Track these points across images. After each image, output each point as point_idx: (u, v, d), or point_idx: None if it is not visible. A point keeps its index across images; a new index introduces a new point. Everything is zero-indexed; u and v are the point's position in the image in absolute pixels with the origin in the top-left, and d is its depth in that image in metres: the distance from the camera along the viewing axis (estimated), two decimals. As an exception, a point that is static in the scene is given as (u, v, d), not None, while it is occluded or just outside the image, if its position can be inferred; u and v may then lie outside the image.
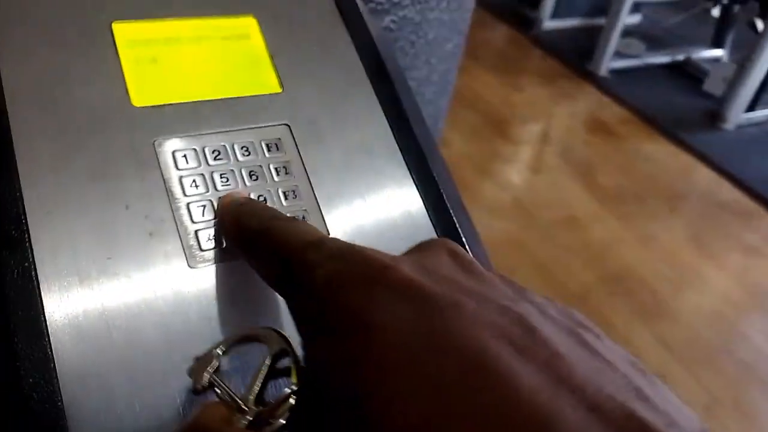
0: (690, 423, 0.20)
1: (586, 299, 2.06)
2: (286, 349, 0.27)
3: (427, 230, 0.38)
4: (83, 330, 0.29)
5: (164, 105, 0.36)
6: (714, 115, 3.05)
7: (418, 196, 0.39)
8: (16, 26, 0.35)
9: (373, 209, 0.38)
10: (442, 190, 0.39)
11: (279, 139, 0.37)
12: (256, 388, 0.26)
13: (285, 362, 0.27)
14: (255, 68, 0.39)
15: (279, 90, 0.39)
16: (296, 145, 0.37)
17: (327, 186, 0.37)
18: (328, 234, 0.35)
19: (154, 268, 0.31)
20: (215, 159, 0.35)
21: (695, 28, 3.66)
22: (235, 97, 0.38)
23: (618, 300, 2.08)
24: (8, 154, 0.31)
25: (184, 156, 0.35)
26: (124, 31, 0.37)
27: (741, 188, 2.68)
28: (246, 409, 0.25)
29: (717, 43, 3.53)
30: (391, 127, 0.40)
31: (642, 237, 2.36)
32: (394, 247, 0.28)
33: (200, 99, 0.37)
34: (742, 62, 2.94)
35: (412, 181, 0.39)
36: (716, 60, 3.46)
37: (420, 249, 0.26)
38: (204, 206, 0.34)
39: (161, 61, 0.37)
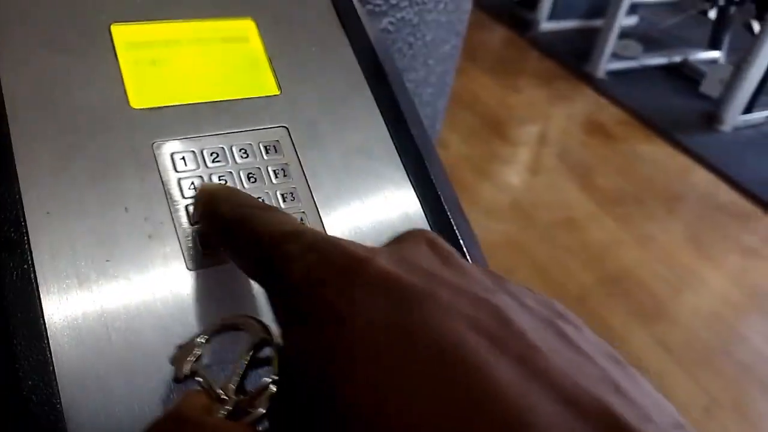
0: (666, 417, 0.20)
1: (584, 300, 2.06)
2: (267, 339, 0.27)
3: (425, 232, 0.38)
4: (82, 332, 0.29)
5: (163, 107, 0.36)
6: (711, 117, 3.06)
7: (416, 198, 0.39)
8: (15, 28, 0.35)
9: (370, 211, 0.38)
10: (439, 192, 0.39)
11: (277, 141, 0.37)
12: (237, 378, 0.26)
13: (266, 352, 0.27)
14: (253, 70, 0.39)
15: (277, 92, 0.39)
16: (294, 148, 0.37)
17: (325, 188, 0.37)
18: None
19: (153, 270, 0.31)
20: (213, 161, 0.35)
21: (692, 30, 3.67)
22: (233, 100, 0.38)
23: (616, 301, 2.08)
24: (7, 157, 0.31)
25: (183, 158, 0.35)
26: (122, 33, 0.37)
27: (738, 190, 2.69)
28: (226, 398, 0.26)
29: (714, 45, 3.54)
30: (388, 129, 0.40)
31: (640, 238, 2.36)
32: (392, 248, 0.28)
33: (199, 101, 0.37)
34: (739, 64, 2.95)
35: (409, 183, 0.39)
36: (713, 62, 3.47)
37: (399, 240, 0.26)
38: None
39: (160, 63, 0.37)
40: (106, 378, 0.28)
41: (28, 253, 0.29)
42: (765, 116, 3.11)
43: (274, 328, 0.26)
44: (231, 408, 0.25)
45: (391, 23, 0.65)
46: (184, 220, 0.33)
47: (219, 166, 0.35)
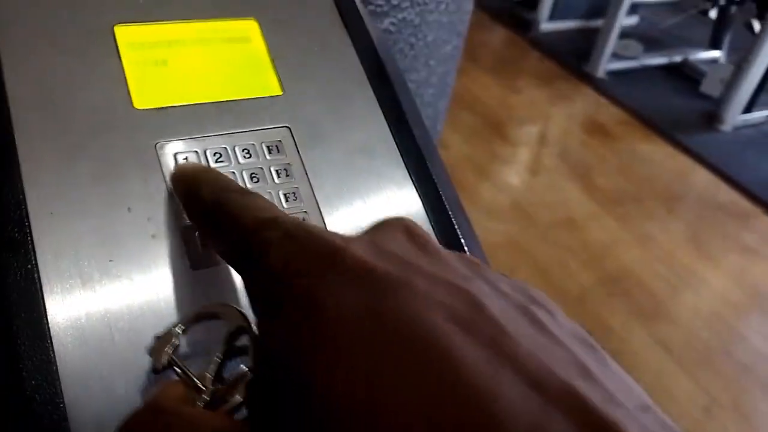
0: (634, 400, 0.20)
1: (584, 300, 2.06)
2: (244, 327, 0.27)
3: (427, 231, 0.38)
4: (85, 332, 0.29)
5: (166, 107, 0.36)
6: (711, 117, 3.06)
7: (418, 198, 0.39)
8: (19, 29, 0.35)
9: (372, 211, 0.38)
10: (441, 193, 0.40)
11: (280, 141, 0.37)
12: (214, 366, 0.26)
13: (245, 340, 0.27)
14: (256, 71, 0.39)
15: (280, 92, 0.39)
16: (297, 148, 0.38)
17: (327, 188, 0.37)
18: None
19: (156, 270, 0.31)
20: (216, 161, 0.35)
21: (692, 30, 3.67)
22: (236, 100, 0.38)
23: (616, 301, 2.08)
24: (11, 157, 0.31)
25: (186, 158, 0.35)
26: (126, 34, 0.37)
27: (738, 189, 2.69)
28: (203, 388, 0.26)
29: (714, 45, 3.54)
30: (390, 129, 0.41)
31: (640, 238, 2.37)
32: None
33: (202, 101, 0.37)
34: (740, 63, 2.95)
35: (411, 183, 0.39)
36: (713, 61, 3.47)
37: (377, 228, 0.26)
38: None
39: (163, 64, 0.37)
40: (109, 378, 0.28)
41: (32, 253, 0.30)
42: (765, 115, 3.11)
43: (252, 316, 0.26)
44: (208, 398, 0.25)
45: (392, 24, 0.65)
46: (188, 220, 0.33)
47: (222, 166, 0.35)
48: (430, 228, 0.39)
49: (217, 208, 0.28)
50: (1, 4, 0.35)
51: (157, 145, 0.34)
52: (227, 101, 0.37)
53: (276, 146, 0.37)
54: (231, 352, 0.27)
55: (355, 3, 0.44)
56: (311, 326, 0.21)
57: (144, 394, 0.29)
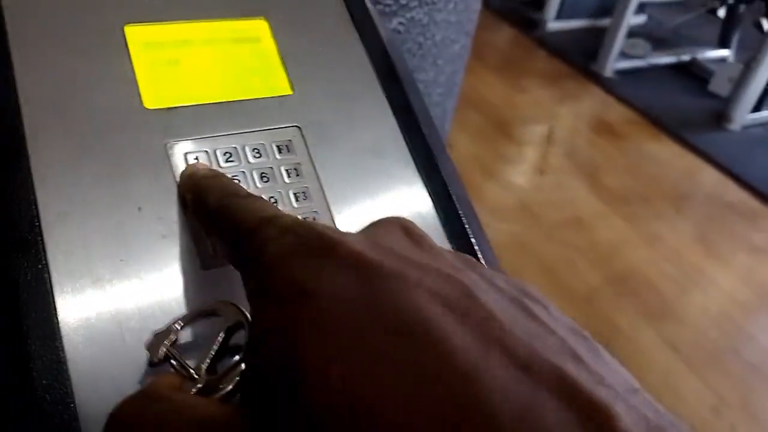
0: (621, 383, 0.20)
1: (592, 300, 2.06)
2: (241, 321, 0.27)
3: (436, 231, 0.38)
4: (96, 332, 0.29)
5: (176, 107, 0.36)
6: (720, 116, 3.04)
7: (428, 197, 0.39)
8: (30, 30, 0.35)
9: (382, 210, 0.38)
10: (451, 192, 0.39)
11: (290, 141, 0.37)
12: (209, 359, 0.27)
13: (241, 335, 0.27)
14: (266, 71, 0.39)
15: (290, 92, 0.39)
16: (307, 147, 0.38)
17: (337, 187, 0.37)
18: None
19: (167, 269, 0.31)
20: (227, 161, 0.35)
21: (701, 29, 3.66)
22: (246, 100, 0.38)
23: (624, 301, 2.08)
24: (22, 156, 0.31)
25: (196, 158, 0.35)
26: (136, 34, 0.37)
27: (747, 189, 2.68)
28: (197, 377, 0.26)
29: (723, 44, 3.52)
30: (401, 128, 0.40)
31: (648, 238, 2.36)
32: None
33: (212, 101, 0.37)
34: (748, 62, 2.93)
35: (421, 182, 0.39)
36: (722, 60, 3.45)
37: (374, 225, 0.27)
38: None
39: (173, 64, 0.37)
40: (120, 378, 0.28)
41: (42, 252, 0.30)
42: (774, 115, 3.10)
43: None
44: (202, 386, 0.26)
45: (401, 23, 0.65)
46: None
47: (232, 166, 0.35)
48: (440, 227, 0.39)
49: (220, 211, 0.29)
50: (12, 6, 0.35)
51: (168, 145, 0.34)
52: (237, 101, 0.37)
53: (286, 146, 0.37)
54: (227, 348, 0.28)
55: (365, 3, 0.44)
56: (303, 311, 0.21)
57: None
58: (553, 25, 3.68)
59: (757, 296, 2.18)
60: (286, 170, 0.36)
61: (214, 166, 0.35)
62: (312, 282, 0.22)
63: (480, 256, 0.38)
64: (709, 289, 2.20)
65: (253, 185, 0.35)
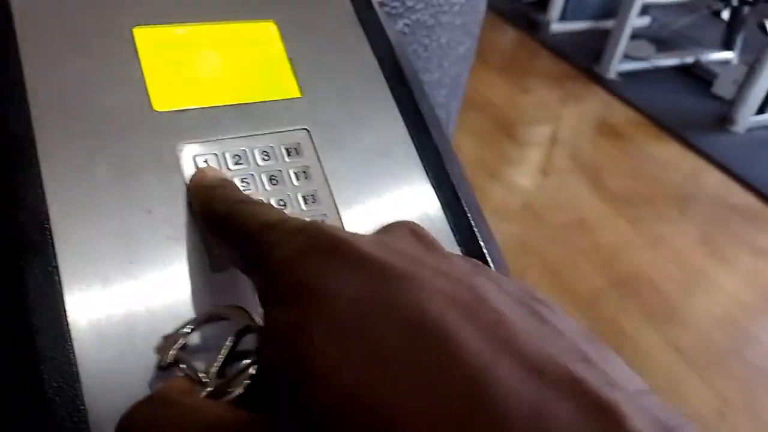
0: (632, 385, 0.20)
1: (595, 302, 2.05)
2: (251, 325, 0.27)
3: (445, 233, 0.38)
4: (105, 334, 0.29)
5: (185, 109, 0.36)
6: (723, 118, 3.04)
7: (437, 199, 0.39)
8: (39, 31, 0.35)
9: (391, 213, 0.38)
10: (459, 194, 0.39)
11: (298, 143, 0.37)
12: (218, 363, 0.27)
13: (249, 340, 0.27)
14: (275, 73, 0.39)
15: (299, 95, 0.39)
16: (315, 150, 0.38)
17: (346, 190, 0.37)
18: None
19: (177, 272, 0.31)
20: (236, 164, 0.35)
21: (705, 30, 3.65)
22: (255, 102, 0.38)
23: (628, 303, 2.07)
24: (32, 159, 0.31)
25: (205, 161, 0.35)
26: (145, 36, 0.37)
27: (750, 191, 2.68)
28: (207, 381, 0.26)
29: (727, 46, 3.52)
30: (409, 131, 0.40)
31: (651, 240, 2.36)
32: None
33: (221, 104, 0.37)
34: (752, 64, 2.93)
35: (430, 184, 0.39)
36: (726, 62, 3.45)
37: (383, 229, 0.27)
38: None
39: (182, 66, 0.37)
40: (129, 379, 0.28)
41: (52, 255, 0.30)
42: (778, 117, 3.10)
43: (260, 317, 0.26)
44: (211, 389, 0.26)
45: (406, 25, 0.65)
46: None
47: (241, 169, 0.35)
48: (449, 230, 0.39)
49: (227, 219, 0.29)
50: (21, 8, 0.35)
51: (177, 147, 0.34)
52: (246, 104, 0.37)
53: (295, 149, 0.37)
54: (236, 353, 0.28)
55: (372, 5, 0.44)
56: (313, 312, 0.21)
57: None
58: (557, 26, 3.68)
59: (760, 298, 2.17)
60: (295, 173, 0.36)
61: (223, 169, 0.35)
62: (322, 282, 0.22)
63: (488, 258, 0.38)
64: (713, 291, 2.19)
65: (261, 188, 0.35)
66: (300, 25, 0.41)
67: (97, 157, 0.33)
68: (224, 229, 0.29)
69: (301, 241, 0.24)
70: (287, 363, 0.21)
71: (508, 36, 3.73)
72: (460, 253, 0.37)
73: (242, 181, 0.35)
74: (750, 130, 3.03)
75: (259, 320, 0.27)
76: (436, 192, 0.39)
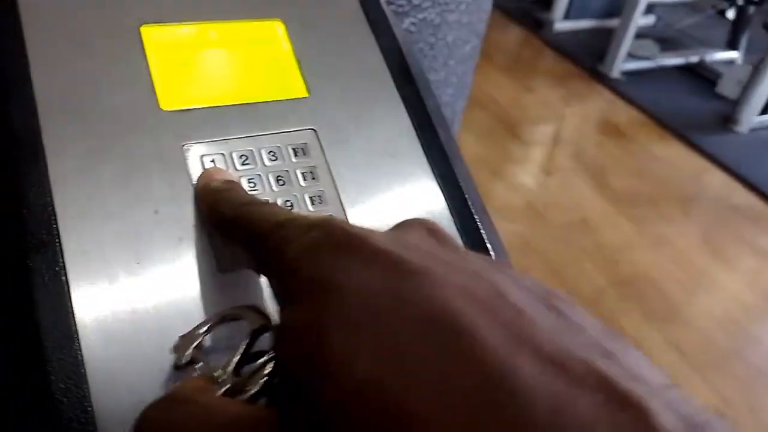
0: (656, 379, 0.19)
1: (597, 302, 2.05)
2: (266, 324, 0.27)
3: (451, 233, 0.38)
4: (113, 335, 0.29)
5: (193, 109, 0.36)
6: (727, 118, 3.03)
7: (443, 199, 0.39)
8: (46, 31, 0.35)
9: (398, 213, 0.38)
10: (465, 194, 0.39)
11: (305, 143, 0.37)
12: (234, 362, 0.27)
13: (264, 339, 0.27)
14: (282, 73, 0.39)
15: (306, 94, 0.39)
16: (322, 150, 0.37)
17: (353, 190, 0.37)
18: None
19: (184, 272, 0.31)
20: (243, 164, 0.35)
21: (709, 30, 3.64)
22: (262, 102, 0.38)
23: (630, 303, 2.07)
24: (39, 158, 0.31)
25: (212, 161, 0.35)
26: (152, 35, 0.37)
27: (754, 192, 2.67)
28: (223, 379, 0.26)
29: (731, 45, 3.51)
30: (416, 130, 0.40)
31: (654, 240, 2.35)
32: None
33: (228, 103, 0.37)
34: (757, 64, 2.92)
35: (436, 184, 0.39)
36: (730, 62, 3.44)
37: (398, 226, 0.27)
38: None
39: (189, 65, 0.37)
40: (137, 381, 0.28)
41: (60, 254, 0.30)
42: (782, 118, 3.09)
43: (277, 319, 0.26)
44: (228, 386, 0.26)
45: (413, 24, 0.65)
46: None
47: (248, 169, 0.35)
48: (455, 229, 0.39)
49: (237, 221, 0.29)
50: (28, 7, 0.35)
51: (184, 147, 0.34)
52: (253, 103, 0.37)
53: (302, 149, 0.37)
54: (252, 353, 0.28)
55: (380, 4, 0.44)
56: (328, 307, 0.21)
57: None
58: (561, 25, 3.67)
59: (762, 299, 2.17)
60: (302, 173, 0.36)
61: (230, 170, 0.35)
62: (334, 278, 0.22)
63: (493, 256, 0.38)
64: (715, 291, 2.19)
65: (269, 188, 0.35)
66: (307, 25, 0.41)
67: (104, 156, 0.33)
68: (234, 230, 0.29)
69: (313, 237, 0.24)
70: (300, 359, 0.21)
71: (512, 34, 3.72)
72: None
73: (249, 182, 0.35)
74: (754, 130, 3.02)
75: (274, 319, 0.27)
76: (442, 191, 0.39)
